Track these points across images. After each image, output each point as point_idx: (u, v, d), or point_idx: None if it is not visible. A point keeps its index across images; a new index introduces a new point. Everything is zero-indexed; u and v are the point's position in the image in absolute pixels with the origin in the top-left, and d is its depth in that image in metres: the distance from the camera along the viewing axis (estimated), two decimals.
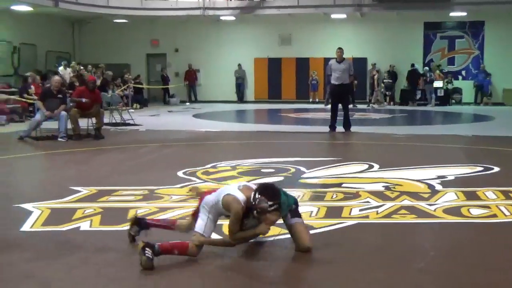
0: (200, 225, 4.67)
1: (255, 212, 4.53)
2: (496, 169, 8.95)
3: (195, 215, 4.87)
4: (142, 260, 4.35)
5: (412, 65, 25.55)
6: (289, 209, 4.80)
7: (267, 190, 4.61)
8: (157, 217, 5.97)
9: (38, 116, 12.94)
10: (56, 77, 14.23)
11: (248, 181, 5.50)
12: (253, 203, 4.51)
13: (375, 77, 25.09)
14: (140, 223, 5.12)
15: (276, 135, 14.16)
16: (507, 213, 6.24)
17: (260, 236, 4.81)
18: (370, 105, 24.88)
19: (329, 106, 18.98)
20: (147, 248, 4.39)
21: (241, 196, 4.58)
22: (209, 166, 9.17)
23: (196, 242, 4.59)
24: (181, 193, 7.19)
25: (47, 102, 13.00)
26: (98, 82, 20.01)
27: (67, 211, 6.25)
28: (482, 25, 26.22)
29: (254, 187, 4.71)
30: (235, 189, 4.70)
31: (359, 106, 23.77)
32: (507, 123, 17.48)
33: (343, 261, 4.77)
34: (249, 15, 25.96)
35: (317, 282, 4.38)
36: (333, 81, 14.39)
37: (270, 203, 4.48)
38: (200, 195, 5.04)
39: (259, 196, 4.51)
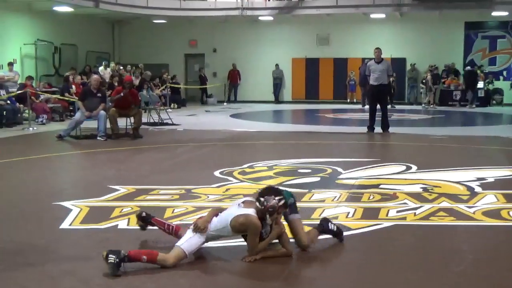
0: (190, 242, 4.63)
1: (267, 216, 4.58)
2: None
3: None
4: (108, 267, 4.35)
5: (471, 66, 25.09)
6: (289, 204, 4.82)
7: (268, 190, 4.76)
8: (193, 216, 6.01)
9: (77, 116, 13.12)
10: (95, 76, 14.35)
11: (245, 195, 5.49)
12: (262, 207, 4.56)
13: (429, 78, 24.66)
14: (144, 220, 5.25)
15: (314, 136, 14.12)
16: None
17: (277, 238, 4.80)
18: (424, 106, 24.47)
19: (366, 107, 18.99)
20: (110, 255, 4.38)
21: (250, 211, 4.61)
22: (245, 166, 9.20)
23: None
24: (217, 193, 7.24)
25: (87, 102, 13.14)
26: (136, 82, 20.25)
27: (105, 210, 6.35)
28: None
29: (253, 199, 4.75)
30: (239, 208, 4.71)
31: (397, 107, 23.51)
32: None
33: (379, 262, 4.76)
34: (287, 15, 25.90)
35: (352, 282, 4.36)
36: (372, 82, 14.30)
37: (277, 198, 4.58)
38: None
39: (265, 197, 4.59)
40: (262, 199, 4.59)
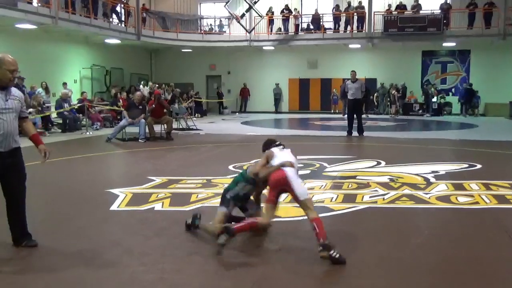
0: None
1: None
2: (479, 166, 8.76)
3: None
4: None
5: (470, 84, 24.71)
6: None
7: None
8: (212, 200, 6.02)
9: (122, 122, 13.20)
10: (138, 93, 14.42)
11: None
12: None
13: (395, 94, 24.67)
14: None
15: (305, 138, 14.10)
16: (487, 201, 6.11)
17: None
18: (391, 115, 24.40)
19: (346, 116, 18.91)
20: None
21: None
22: (253, 161, 9.14)
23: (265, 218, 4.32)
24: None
25: (131, 112, 13.23)
26: (169, 97, 20.30)
27: (145, 195, 6.36)
28: (468, 53, 25.65)
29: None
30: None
31: (370, 116, 23.43)
32: (488, 130, 17.05)
33: (355, 236, 4.74)
34: (285, 45, 25.91)
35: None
36: (349, 97, 14.32)
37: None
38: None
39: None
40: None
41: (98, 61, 22.56)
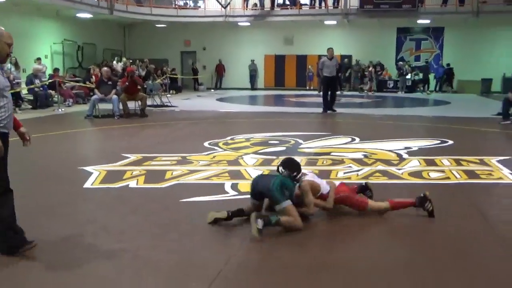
0: None
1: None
2: (450, 142, 8.92)
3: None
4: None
5: (448, 64, 24.97)
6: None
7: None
8: (188, 177, 6.01)
9: (94, 97, 13.16)
10: (105, 68, 14.36)
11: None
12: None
13: (372, 71, 24.79)
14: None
15: (281, 115, 14.13)
16: (458, 176, 6.24)
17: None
18: (366, 92, 24.54)
19: (321, 93, 18.98)
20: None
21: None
22: (228, 138, 9.19)
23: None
24: (206, 159, 7.23)
25: (101, 88, 13.19)
26: (143, 73, 20.04)
27: (119, 173, 6.31)
28: (442, 30, 25.90)
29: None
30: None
31: (345, 93, 23.58)
32: (460, 107, 17.33)
33: (330, 213, 4.79)
34: (261, 21, 25.72)
35: (310, 223, 4.41)
36: (325, 74, 14.31)
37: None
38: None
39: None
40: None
41: (69, 36, 22.07)
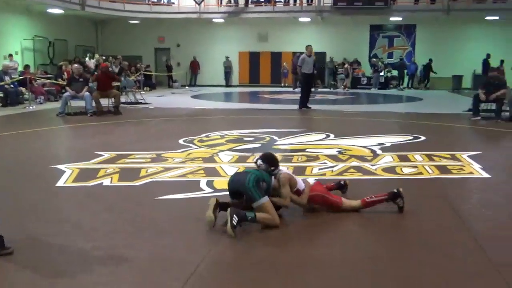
0: None
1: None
2: (423, 138, 9.06)
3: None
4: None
5: (430, 59, 24.97)
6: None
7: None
8: (162, 175, 5.97)
9: (65, 94, 12.94)
10: (75, 65, 14.14)
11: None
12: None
13: (348, 68, 25.02)
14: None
15: (256, 112, 14.13)
16: (430, 171, 6.34)
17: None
18: (343, 88, 24.72)
19: (297, 90, 19.12)
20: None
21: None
22: (203, 135, 9.15)
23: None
24: (181, 156, 7.19)
25: (73, 85, 12.96)
26: (116, 70, 19.79)
27: (93, 171, 6.22)
28: (414, 27, 26.28)
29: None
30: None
31: (319, 90, 23.72)
32: (432, 103, 17.62)
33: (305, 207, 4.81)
34: (235, 18, 25.68)
35: (288, 218, 4.43)
36: (305, 71, 14.29)
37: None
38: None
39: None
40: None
41: (40, 32, 21.66)
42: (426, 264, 3.53)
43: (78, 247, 3.78)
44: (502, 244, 3.93)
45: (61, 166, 6.44)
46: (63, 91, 15.92)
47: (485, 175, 6.18)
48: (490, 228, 4.32)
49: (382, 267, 3.48)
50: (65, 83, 15.02)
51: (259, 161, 4.61)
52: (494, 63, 21.32)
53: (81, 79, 13.08)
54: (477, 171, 6.38)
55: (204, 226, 4.23)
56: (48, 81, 17.46)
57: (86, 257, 3.60)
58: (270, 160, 4.63)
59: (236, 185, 4.32)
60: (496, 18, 23.82)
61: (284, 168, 4.93)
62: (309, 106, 14.53)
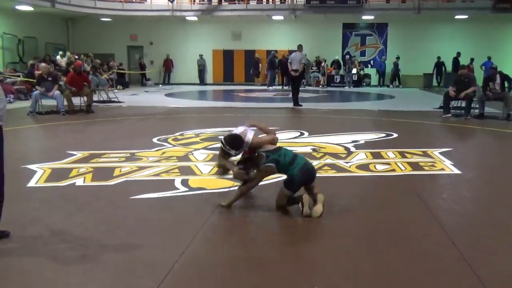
0: None
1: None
2: (395, 135, 9.18)
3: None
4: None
5: (398, 57, 25.44)
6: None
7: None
8: (137, 174, 5.91)
9: (35, 93, 12.66)
10: (43, 64, 13.84)
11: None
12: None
13: (325, 66, 25.29)
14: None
15: (230, 110, 14.11)
16: (402, 168, 6.43)
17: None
18: (321, 86, 24.95)
19: (271, 87, 19.19)
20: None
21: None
22: (177, 134, 9.10)
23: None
24: (155, 155, 7.14)
25: (42, 85, 12.70)
26: (88, 68, 19.50)
27: (65, 170, 6.13)
28: (386, 26, 26.62)
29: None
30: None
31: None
32: (403, 100, 17.87)
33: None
34: (209, 16, 25.58)
35: (262, 214, 4.44)
36: (295, 68, 14.30)
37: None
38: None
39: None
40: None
41: (9, 29, 21.20)
42: (398, 257, 3.58)
43: (50, 248, 3.72)
44: (472, 237, 4.03)
45: (32, 166, 6.32)
46: (34, 89, 15.65)
47: (456, 171, 6.30)
48: (460, 222, 4.41)
49: (353, 260, 3.52)
50: (35, 81, 14.75)
51: (233, 152, 4.88)
52: (463, 60, 21.76)
53: (49, 78, 12.81)
54: (448, 167, 6.50)
55: (179, 225, 4.21)
56: (19, 79, 17.10)
57: (59, 258, 3.54)
58: (234, 145, 4.89)
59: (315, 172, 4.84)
60: (465, 17, 24.31)
61: (249, 129, 5.23)
62: (301, 104, 14.55)
